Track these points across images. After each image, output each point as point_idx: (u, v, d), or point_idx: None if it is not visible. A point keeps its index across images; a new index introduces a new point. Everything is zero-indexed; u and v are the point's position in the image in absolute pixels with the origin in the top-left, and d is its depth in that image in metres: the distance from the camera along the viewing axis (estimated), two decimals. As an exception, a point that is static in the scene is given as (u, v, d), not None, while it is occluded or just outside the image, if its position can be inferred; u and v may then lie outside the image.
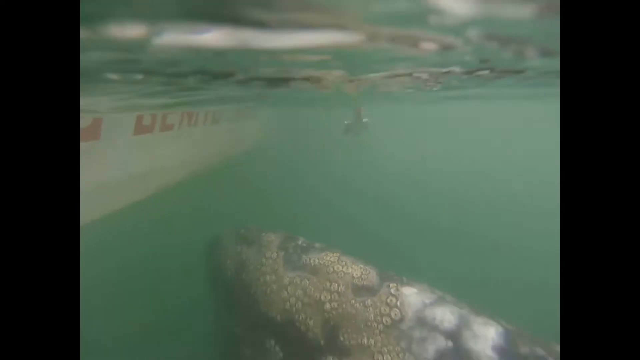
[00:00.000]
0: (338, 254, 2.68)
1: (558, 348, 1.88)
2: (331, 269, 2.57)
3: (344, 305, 2.39)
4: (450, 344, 1.99)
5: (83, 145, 3.58)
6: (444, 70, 2.40)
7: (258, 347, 3.00)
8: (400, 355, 2.07)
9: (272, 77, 2.38)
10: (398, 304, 2.21)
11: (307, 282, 2.63)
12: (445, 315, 2.08)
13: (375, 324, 2.22)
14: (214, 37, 1.30)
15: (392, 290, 2.28)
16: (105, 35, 1.31)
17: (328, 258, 2.66)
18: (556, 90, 3.45)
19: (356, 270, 2.49)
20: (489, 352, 1.88)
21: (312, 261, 2.71)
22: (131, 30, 1.26)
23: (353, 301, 2.37)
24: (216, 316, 3.71)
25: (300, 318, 2.60)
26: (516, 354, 1.84)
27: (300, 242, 2.94)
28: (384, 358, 2.11)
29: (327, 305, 2.46)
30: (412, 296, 2.22)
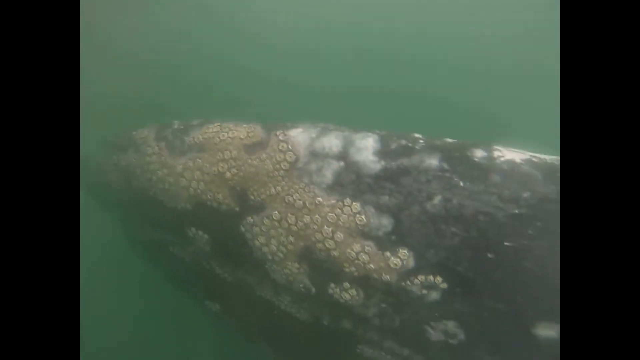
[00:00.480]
0: (218, 123, 2.57)
1: (416, 134, 2.27)
2: (217, 139, 2.49)
3: (242, 168, 2.43)
4: (342, 163, 2.24)
5: None
6: None
7: (183, 241, 3.06)
8: (305, 189, 2.29)
9: None
10: (289, 147, 2.31)
11: (200, 161, 2.55)
12: (332, 142, 2.27)
13: (276, 173, 2.34)
14: None
15: (281, 137, 2.34)
16: None
17: (210, 130, 2.54)
18: None
19: (241, 132, 2.45)
20: (371, 157, 2.19)
21: (196, 139, 2.58)
22: None
23: (249, 161, 2.41)
24: (129, 235, 3.57)
25: (209, 197, 2.61)
26: (389, 150, 2.19)
27: (176, 126, 2.72)
28: (294, 197, 2.32)
29: (228, 174, 2.48)
30: (299, 135, 2.32)
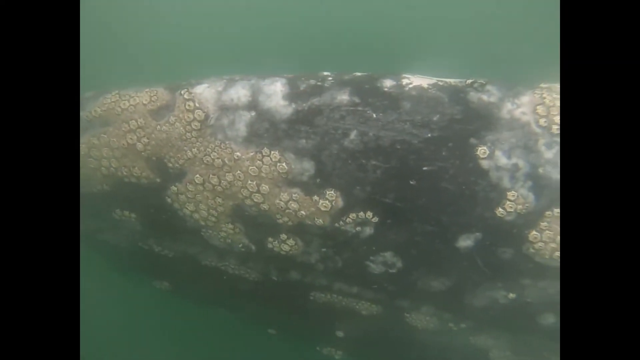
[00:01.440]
0: (116, 91, 2.35)
1: (324, 72, 2.23)
2: (118, 110, 2.30)
3: (153, 136, 2.28)
4: (253, 113, 2.17)
5: None
6: None
7: (111, 226, 2.89)
8: (222, 146, 2.20)
9: None
10: (197, 104, 2.18)
11: (106, 136, 2.36)
12: (240, 92, 2.17)
13: (189, 134, 2.22)
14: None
15: (186, 96, 2.20)
16: None
17: (109, 101, 2.33)
18: None
19: (144, 97, 2.27)
20: (281, 102, 2.13)
21: (94, 113, 2.36)
22: None
23: (159, 126, 2.26)
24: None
25: (124, 173, 2.45)
26: (298, 92, 2.15)
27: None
28: (212, 156, 2.23)
29: (139, 145, 2.32)
30: (205, 91, 2.19)
